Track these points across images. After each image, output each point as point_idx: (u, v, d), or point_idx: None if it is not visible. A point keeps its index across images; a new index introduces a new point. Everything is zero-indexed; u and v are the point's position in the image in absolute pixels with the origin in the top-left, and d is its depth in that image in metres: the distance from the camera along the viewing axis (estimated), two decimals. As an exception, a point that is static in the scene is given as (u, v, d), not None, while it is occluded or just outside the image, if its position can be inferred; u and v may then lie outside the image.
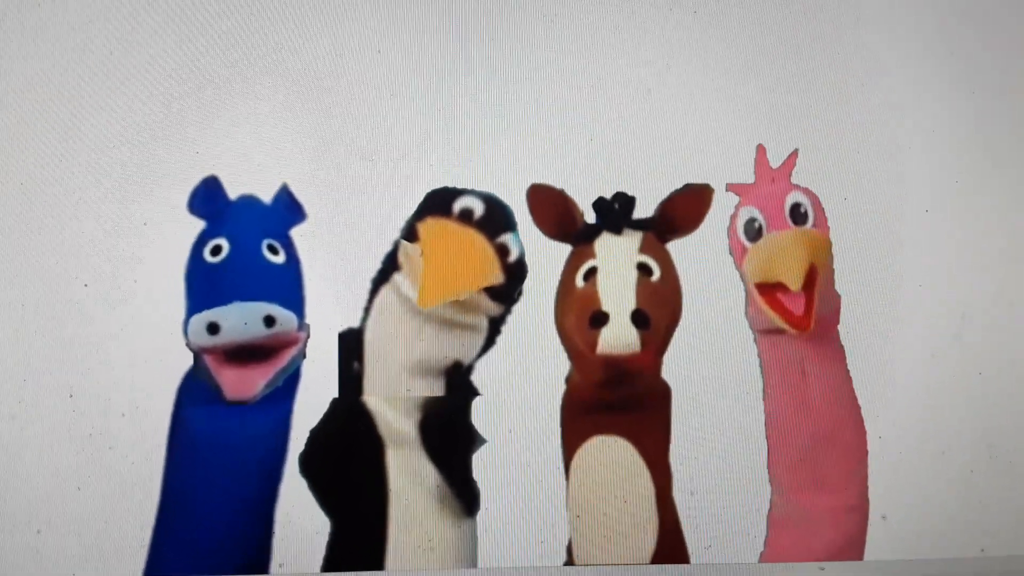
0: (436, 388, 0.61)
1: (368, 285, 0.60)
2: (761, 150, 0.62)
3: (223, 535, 0.59)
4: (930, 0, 0.65)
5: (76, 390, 0.58)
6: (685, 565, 0.62)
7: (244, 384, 0.58)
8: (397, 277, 0.60)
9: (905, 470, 0.63)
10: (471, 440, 0.61)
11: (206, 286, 0.59)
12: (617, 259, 0.61)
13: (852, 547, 0.63)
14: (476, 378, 0.61)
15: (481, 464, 0.61)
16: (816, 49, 0.63)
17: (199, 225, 0.59)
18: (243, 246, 0.59)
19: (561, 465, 0.61)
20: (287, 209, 0.60)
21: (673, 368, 0.62)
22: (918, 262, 0.63)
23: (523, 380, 0.61)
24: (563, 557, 0.62)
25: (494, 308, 0.61)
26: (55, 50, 0.59)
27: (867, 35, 0.63)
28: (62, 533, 0.58)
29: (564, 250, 0.62)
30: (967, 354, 0.64)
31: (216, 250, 0.59)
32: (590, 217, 0.62)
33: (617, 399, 0.61)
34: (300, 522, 0.59)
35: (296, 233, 0.60)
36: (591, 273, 0.61)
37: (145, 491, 0.58)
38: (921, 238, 0.63)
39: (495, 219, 0.60)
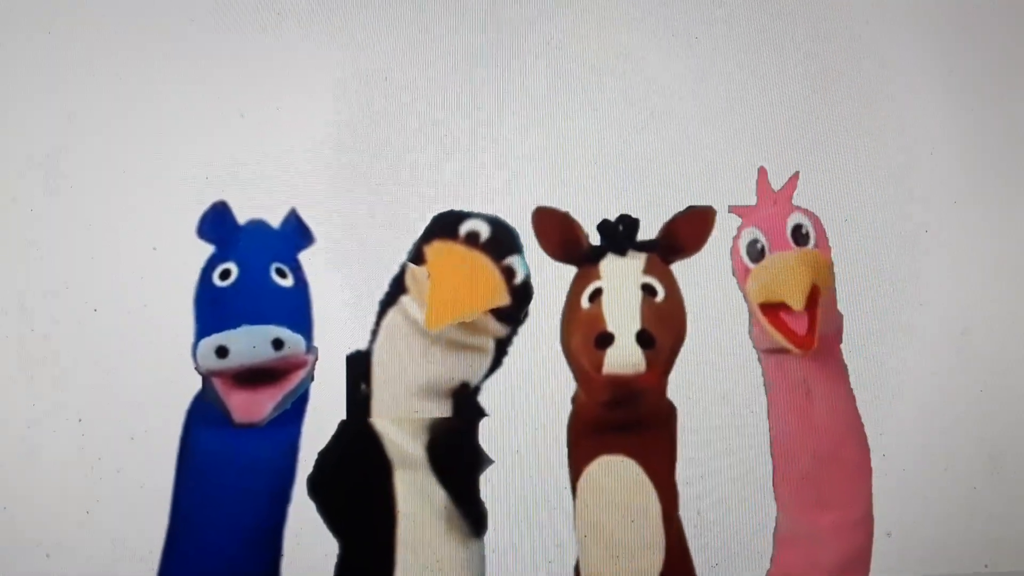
0: (443, 409, 0.61)
1: (376, 308, 0.61)
2: (763, 173, 0.63)
3: (232, 557, 0.59)
4: (929, 21, 0.66)
5: (85, 414, 0.58)
6: (692, 584, 0.62)
7: (253, 407, 0.59)
8: (404, 299, 0.61)
9: (909, 487, 0.64)
10: (478, 461, 0.61)
11: (215, 310, 0.59)
12: (622, 280, 0.62)
13: (858, 564, 0.64)
14: (483, 399, 0.61)
15: (489, 485, 0.61)
16: (816, 73, 0.64)
17: (208, 249, 0.59)
18: (252, 270, 0.59)
19: (568, 485, 0.62)
20: (295, 233, 0.60)
21: (678, 388, 0.62)
22: (919, 280, 0.64)
23: (530, 401, 0.62)
24: (571, 577, 0.62)
25: (500, 330, 0.62)
26: (61, 71, 0.60)
27: (866, 59, 0.64)
28: (71, 556, 0.58)
29: (569, 272, 0.62)
30: (969, 370, 0.64)
31: (225, 274, 0.59)
32: (595, 239, 0.62)
33: (623, 419, 0.62)
34: (309, 544, 0.60)
35: (304, 257, 0.60)
36: (596, 294, 0.62)
37: (154, 514, 0.58)
38: (921, 257, 0.64)
39: (501, 242, 0.61)
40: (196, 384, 0.59)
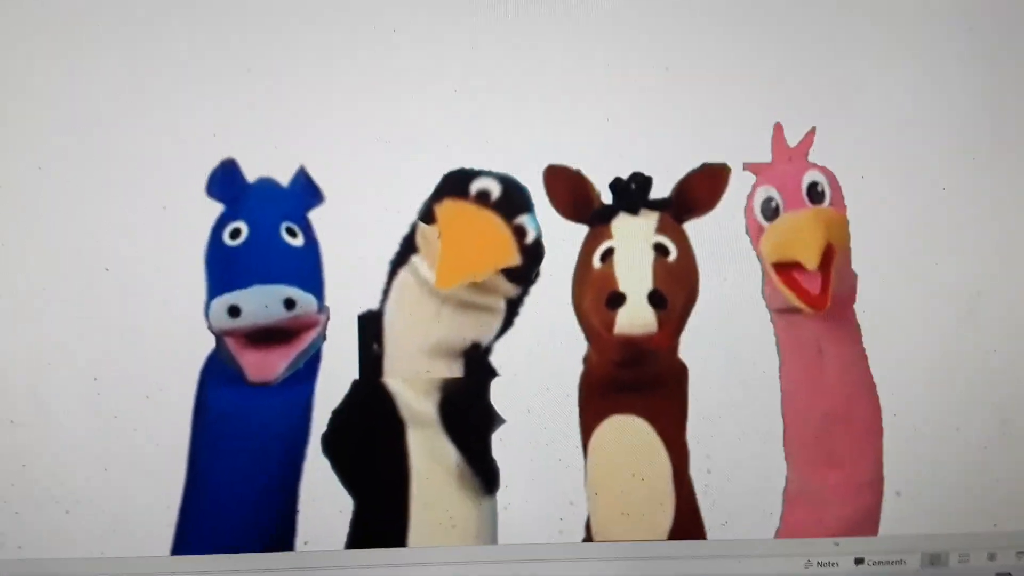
0: (455, 369, 0.61)
1: (387, 267, 0.60)
2: (778, 129, 0.62)
3: (248, 514, 0.60)
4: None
5: (100, 373, 0.59)
6: (702, 541, 0.63)
7: (266, 366, 0.59)
8: (415, 259, 0.61)
9: (919, 446, 0.64)
10: (490, 420, 0.62)
11: (226, 269, 0.59)
12: (634, 239, 0.62)
13: (867, 522, 0.64)
14: (494, 359, 0.62)
15: (500, 443, 0.62)
16: (833, 27, 0.62)
17: (218, 208, 0.59)
18: (262, 229, 0.59)
19: (579, 444, 0.62)
20: (305, 191, 0.60)
21: (690, 348, 0.62)
22: (934, 240, 0.63)
23: (541, 360, 0.62)
24: (582, 534, 0.62)
25: (512, 289, 0.61)
26: (71, 33, 0.59)
27: (885, 12, 0.63)
28: (90, 512, 0.59)
29: (581, 231, 0.62)
30: (982, 331, 0.64)
31: (235, 233, 0.59)
32: (607, 198, 0.62)
33: (634, 379, 0.62)
34: (324, 501, 0.60)
35: (314, 215, 0.60)
36: (608, 254, 0.61)
37: (170, 471, 0.59)
38: (937, 216, 0.63)
39: (512, 200, 0.61)
40: (210, 343, 0.59)
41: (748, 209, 0.63)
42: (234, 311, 0.58)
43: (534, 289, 0.62)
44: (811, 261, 0.61)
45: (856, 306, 0.63)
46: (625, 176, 0.62)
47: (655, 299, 0.61)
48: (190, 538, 0.59)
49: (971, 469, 0.65)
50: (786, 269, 0.62)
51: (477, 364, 0.61)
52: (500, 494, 0.62)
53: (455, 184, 0.61)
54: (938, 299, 0.63)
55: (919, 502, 0.64)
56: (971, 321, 0.64)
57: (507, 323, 0.62)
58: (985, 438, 0.65)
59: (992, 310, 0.64)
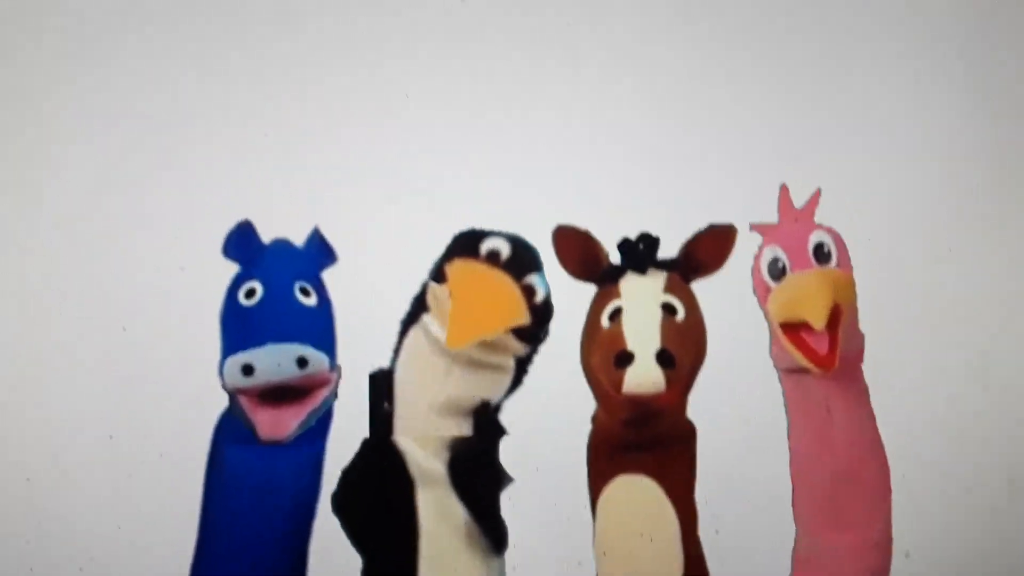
0: (464, 428, 0.61)
1: (398, 327, 0.61)
2: (784, 190, 0.63)
3: (259, 571, 0.60)
4: (951, 37, 0.65)
5: (115, 431, 0.60)
6: (710, 601, 0.63)
7: (278, 424, 0.59)
8: (426, 318, 0.61)
9: (929, 508, 0.64)
10: (499, 479, 0.61)
11: (240, 328, 0.60)
12: (642, 299, 0.62)
13: (876, 583, 0.64)
14: (503, 418, 0.62)
15: (509, 502, 0.62)
16: (839, 90, 0.63)
17: (234, 269, 0.60)
18: (276, 289, 0.60)
19: (587, 503, 0.62)
20: (319, 252, 0.61)
21: (698, 407, 0.62)
22: (942, 300, 0.64)
23: (550, 419, 0.62)
24: (590, 593, 0.62)
25: (521, 348, 0.62)
26: (91, 94, 0.61)
27: (889, 75, 0.64)
28: (104, 570, 0.60)
29: (589, 291, 0.63)
30: (989, 391, 0.64)
31: (250, 293, 0.60)
32: (615, 258, 0.62)
33: (642, 438, 0.62)
34: (333, 559, 0.60)
35: (327, 275, 0.61)
36: (616, 313, 0.62)
37: (183, 528, 0.60)
38: (945, 276, 0.64)
39: (522, 260, 0.61)
40: (223, 401, 0.60)
41: (755, 269, 0.63)
42: (248, 369, 0.58)
43: (543, 348, 0.62)
44: (819, 321, 0.61)
45: (864, 366, 0.63)
46: (633, 237, 0.62)
47: (663, 358, 0.61)
48: (201, 595, 0.60)
49: (981, 531, 0.64)
50: (794, 329, 0.62)
51: (486, 423, 0.61)
52: (509, 554, 0.62)
53: (466, 244, 0.61)
54: (945, 359, 0.64)
55: (928, 563, 0.64)
56: (978, 381, 0.64)
57: (516, 382, 0.62)
58: (994, 499, 0.64)
59: (999, 370, 0.64)
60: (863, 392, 0.63)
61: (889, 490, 0.63)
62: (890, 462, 0.63)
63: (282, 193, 0.61)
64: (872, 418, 0.63)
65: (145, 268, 0.60)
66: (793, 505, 0.62)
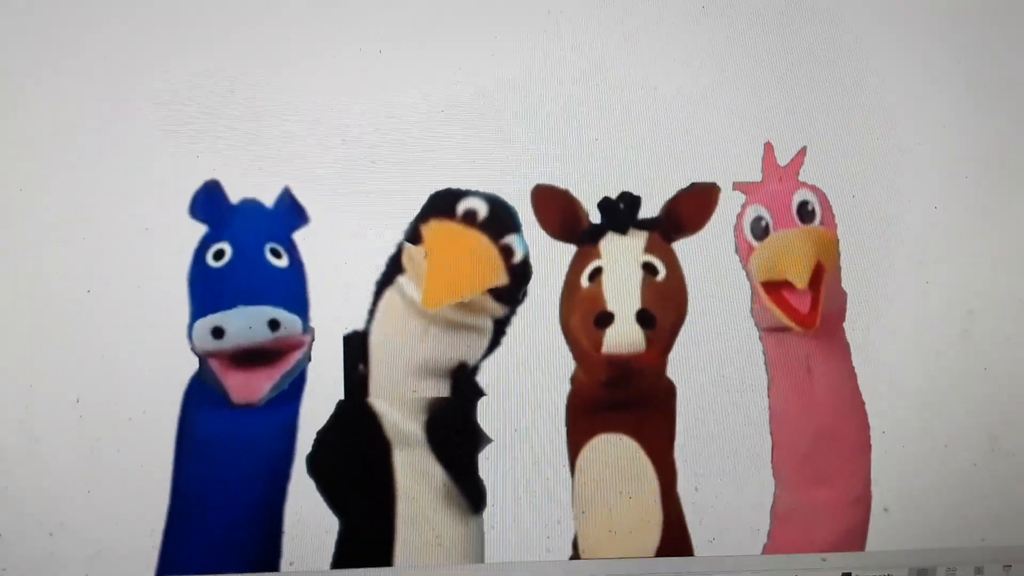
0: (442, 389, 0.61)
1: (372, 288, 0.60)
2: (769, 148, 0.61)
3: (233, 535, 0.59)
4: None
5: (83, 396, 0.58)
6: (689, 558, 0.63)
7: (250, 387, 0.59)
8: (401, 279, 0.60)
9: (908, 463, 0.64)
10: (477, 440, 0.61)
11: (209, 291, 0.58)
12: (622, 259, 0.61)
13: (854, 539, 0.64)
14: (481, 379, 0.61)
15: (487, 463, 0.61)
16: (824, 46, 0.62)
17: (201, 230, 0.59)
18: (246, 250, 0.59)
19: (567, 463, 0.62)
20: (289, 212, 0.59)
21: (678, 366, 0.62)
22: (925, 259, 0.63)
23: (528, 380, 0.61)
24: (569, 552, 0.62)
25: (499, 309, 0.61)
26: (54, 54, 0.58)
27: (876, 31, 0.62)
28: (74, 536, 0.59)
29: (569, 251, 0.61)
30: (972, 350, 0.64)
31: (219, 255, 0.58)
32: (595, 217, 0.61)
33: (622, 398, 0.62)
34: (309, 521, 0.60)
35: (299, 236, 0.59)
36: (596, 273, 0.61)
37: (154, 494, 0.59)
38: (929, 235, 0.63)
39: (499, 220, 0.60)
40: (193, 365, 0.59)
41: (738, 228, 0.62)
42: (218, 332, 0.58)
43: (521, 309, 0.61)
44: (801, 280, 0.61)
45: (845, 324, 0.63)
46: (614, 196, 0.61)
47: (643, 318, 0.61)
48: (175, 560, 0.59)
49: (959, 485, 0.65)
50: (775, 288, 0.62)
51: (464, 384, 0.61)
52: (487, 513, 0.62)
53: (442, 204, 0.60)
54: (928, 317, 0.63)
55: (907, 518, 0.64)
56: (962, 339, 0.63)
57: (494, 343, 0.61)
58: (974, 455, 0.64)
59: (983, 328, 0.63)
60: (845, 350, 0.63)
61: (869, 447, 0.63)
62: (870, 419, 0.63)
63: (251, 152, 0.58)
64: (853, 376, 0.63)
65: (109, 229, 0.57)
66: (772, 462, 0.63)
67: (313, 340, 0.60)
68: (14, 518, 0.59)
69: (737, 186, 0.62)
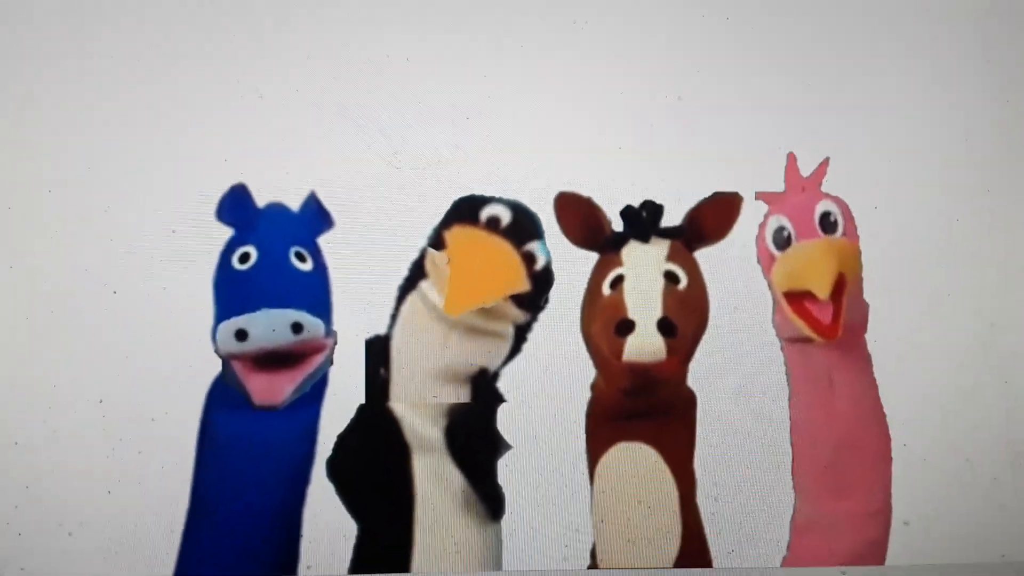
0: (462, 395, 0.61)
1: (395, 292, 0.60)
2: (791, 158, 0.62)
3: (252, 537, 0.59)
4: (965, 8, 0.64)
5: (106, 396, 0.59)
6: (708, 569, 0.63)
7: (272, 390, 0.59)
8: (424, 284, 0.60)
9: (929, 477, 0.63)
10: (496, 446, 0.61)
11: (234, 293, 0.59)
12: (644, 267, 0.61)
13: (874, 552, 0.64)
14: (502, 385, 0.61)
15: (506, 469, 0.61)
16: (847, 57, 0.62)
17: (227, 232, 0.59)
18: (271, 253, 0.59)
19: (586, 471, 0.62)
20: (315, 217, 0.59)
21: (699, 376, 0.62)
22: (948, 271, 0.63)
23: (549, 387, 0.61)
24: (587, 561, 0.62)
25: (520, 316, 0.61)
26: (83, 58, 0.59)
27: (899, 43, 0.62)
28: (93, 535, 0.59)
29: (591, 258, 0.62)
30: (994, 363, 0.63)
31: (244, 257, 0.59)
32: (617, 225, 0.61)
33: (642, 406, 0.61)
34: (328, 525, 0.60)
35: (324, 240, 0.60)
36: (618, 281, 0.61)
37: (174, 495, 0.59)
38: (951, 247, 0.63)
39: (522, 227, 0.60)
40: (216, 367, 0.59)
41: (760, 238, 0.62)
42: (241, 335, 0.58)
43: (543, 315, 0.61)
44: (823, 291, 0.61)
45: (867, 336, 0.63)
46: (636, 204, 0.61)
47: (664, 327, 0.60)
48: (193, 562, 0.59)
49: (981, 500, 0.64)
50: (797, 298, 0.62)
51: (484, 390, 0.61)
52: (505, 520, 0.61)
53: (465, 210, 0.60)
54: (951, 330, 0.63)
55: (927, 532, 0.64)
56: (984, 352, 0.63)
57: (515, 349, 0.61)
58: (995, 469, 0.64)
59: (1005, 342, 0.63)
60: (866, 362, 0.63)
61: (890, 459, 0.63)
62: (891, 432, 0.63)
63: (278, 156, 0.59)
64: (874, 388, 0.63)
65: (137, 231, 0.58)
66: (793, 474, 0.62)
67: (335, 344, 0.60)
68: (34, 517, 0.59)
69: (760, 196, 0.62)
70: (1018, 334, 0.63)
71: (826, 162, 0.62)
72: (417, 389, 0.60)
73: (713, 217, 0.61)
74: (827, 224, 0.62)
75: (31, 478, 0.59)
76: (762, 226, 0.62)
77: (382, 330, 0.60)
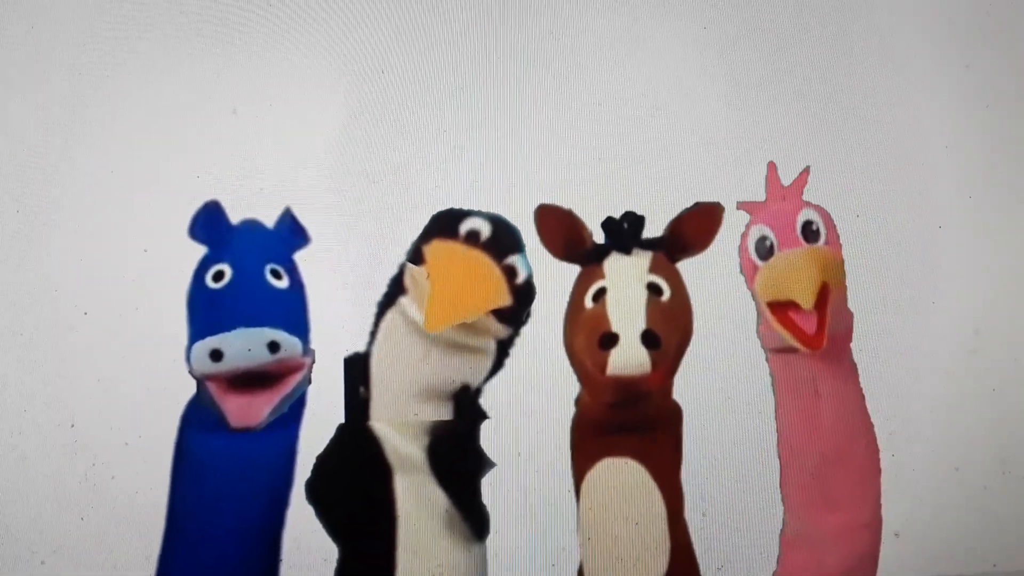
0: (444, 412, 0.60)
1: (374, 309, 0.59)
2: (772, 168, 0.61)
3: (230, 562, 0.58)
4: (946, 16, 0.64)
5: (77, 419, 0.58)
6: (697, 586, 0.62)
7: (249, 411, 0.58)
8: (403, 300, 0.59)
9: (918, 487, 0.63)
10: (480, 464, 0.60)
11: (209, 312, 0.58)
12: (626, 279, 0.60)
13: (865, 565, 0.63)
14: (484, 401, 0.60)
15: (490, 488, 0.60)
16: (828, 66, 0.62)
17: (201, 251, 0.58)
18: (246, 271, 0.58)
19: (571, 488, 0.61)
20: (290, 233, 0.59)
21: (684, 388, 0.61)
22: (931, 279, 0.63)
23: (532, 403, 0.61)
24: (574, 580, 0.61)
25: (502, 330, 0.60)
26: (53, 71, 0.58)
27: (879, 51, 0.62)
28: (67, 562, 0.58)
29: (573, 271, 0.61)
30: (980, 370, 0.63)
31: (218, 276, 0.58)
32: (599, 237, 0.61)
33: (627, 420, 0.61)
34: (308, 548, 0.59)
35: (300, 257, 0.59)
36: (600, 294, 0.60)
37: (149, 520, 0.58)
38: (934, 255, 0.63)
39: (502, 241, 0.60)
40: (190, 388, 0.58)
41: (742, 248, 0.62)
42: (216, 355, 0.56)
43: (525, 330, 0.61)
44: (807, 300, 0.60)
45: (853, 345, 0.62)
46: (617, 215, 0.61)
47: (648, 339, 0.60)
48: (170, 588, 0.58)
49: (971, 509, 0.64)
50: (781, 308, 0.61)
51: (467, 407, 0.60)
52: (490, 540, 0.60)
53: (444, 225, 0.60)
54: (935, 338, 0.63)
55: (918, 543, 0.63)
56: (969, 360, 0.63)
57: (497, 365, 0.61)
58: (984, 478, 0.64)
59: (991, 348, 0.63)
60: (852, 371, 0.62)
61: (879, 470, 0.62)
62: (880, 442, 0.62)
63: (252, 173, 0.58)
64: (861, 398, 0.62)
65: (107, 250, 0.57)
66: (781, 487, 0.62)
67: (313, 362, 0.59)
68: (6, 544, 0.57)
69: (741, 205, 0.61)
70: (1003, 340, 0.63)
71: (807, 171, 0.61)
72: (398, 407, 0.59)
73: (695, 227, 0.61)
74: (809, 233, 0.61)
75: (2, 504, 0.57)
76: (744, 236, 0.62)
77: (361, 348, 0.59)
